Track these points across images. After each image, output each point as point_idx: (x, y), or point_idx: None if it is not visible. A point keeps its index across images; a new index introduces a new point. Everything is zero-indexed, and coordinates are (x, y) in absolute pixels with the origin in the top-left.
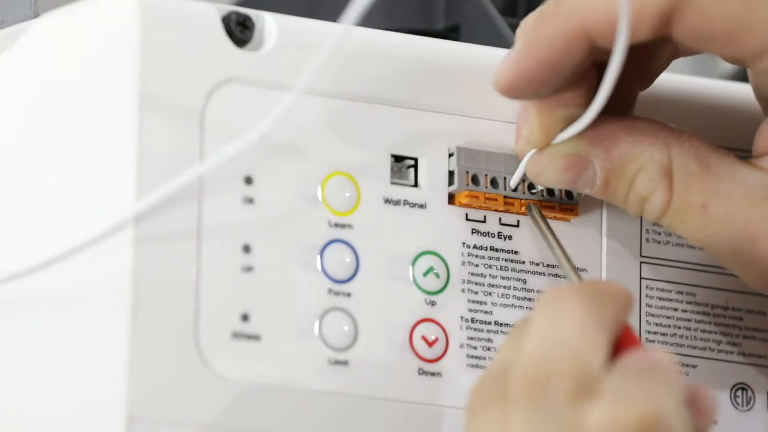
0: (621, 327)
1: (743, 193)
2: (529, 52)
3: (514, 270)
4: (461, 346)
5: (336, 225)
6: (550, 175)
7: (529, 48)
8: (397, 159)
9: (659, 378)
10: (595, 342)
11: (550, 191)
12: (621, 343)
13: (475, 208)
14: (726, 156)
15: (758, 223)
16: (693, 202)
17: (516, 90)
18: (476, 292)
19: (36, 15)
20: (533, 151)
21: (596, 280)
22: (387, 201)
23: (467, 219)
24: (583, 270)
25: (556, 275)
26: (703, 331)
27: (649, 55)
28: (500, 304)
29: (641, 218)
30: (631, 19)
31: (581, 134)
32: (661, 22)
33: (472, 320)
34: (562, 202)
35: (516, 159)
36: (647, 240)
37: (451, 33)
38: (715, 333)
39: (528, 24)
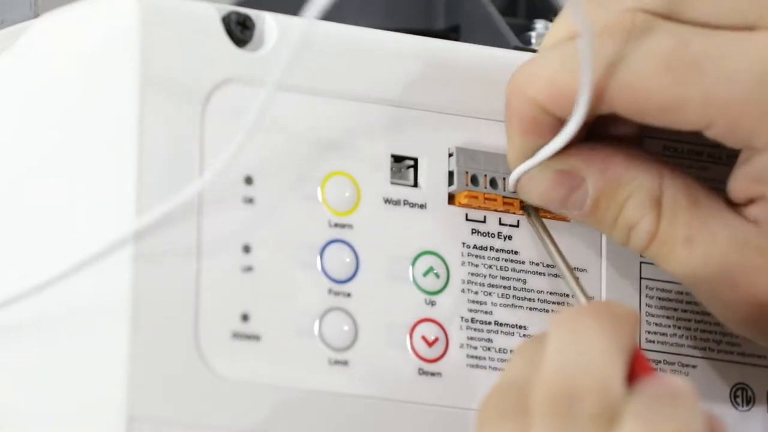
0: (634, 350)
1: (727, 236)
2: (511, 147)
3: (514, 270)
4: (461, 346)
5: (336, 225)
6: (540, 190)
7: (509, 144)
8: (397, 159)
9: (683, 404)
10: (615, 365)
11: None
12: (634, 367)
13: (474, 208)
14: (715, 196)
15: (738, 268)
16: (679, 235)
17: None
18: (476, 292)
19: (36, 15)
20: (525, 164)
21: (607, 301)
22: (387, 201)
23: (467, 219)
24: (583, 270)
25: (555, 275)
26: (703, 331)
27: None
28: (500, 304)
29: None
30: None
31: (576, 151)
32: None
33: (472, 320)
34: None
35: None
36: None
37: (451, 33)
38: (715, 333)
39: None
